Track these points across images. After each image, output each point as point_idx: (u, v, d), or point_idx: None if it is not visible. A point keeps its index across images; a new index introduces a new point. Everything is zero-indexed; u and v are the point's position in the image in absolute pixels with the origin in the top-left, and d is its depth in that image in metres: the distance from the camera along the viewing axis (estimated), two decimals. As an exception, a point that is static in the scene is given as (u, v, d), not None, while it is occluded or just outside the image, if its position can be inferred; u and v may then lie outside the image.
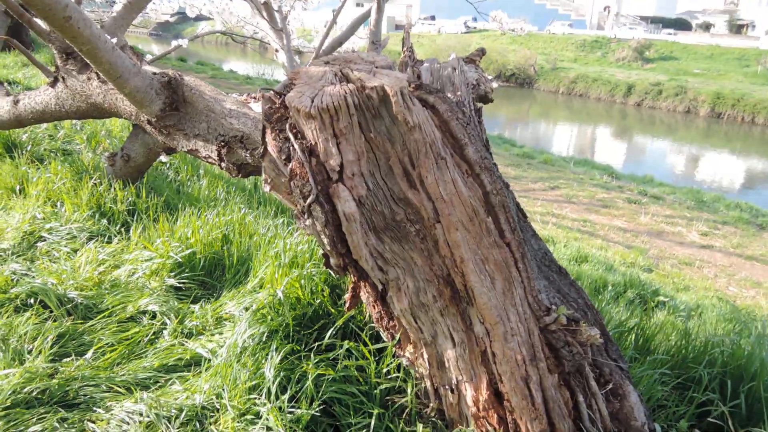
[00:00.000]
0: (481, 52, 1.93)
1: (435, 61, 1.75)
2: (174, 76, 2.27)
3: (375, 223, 1.38)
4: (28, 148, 3.49)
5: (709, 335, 2.19)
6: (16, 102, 2.83)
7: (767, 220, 10.02)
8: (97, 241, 2.63)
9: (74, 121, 4.23)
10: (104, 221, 2.77)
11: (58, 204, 2.93)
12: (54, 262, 2.46)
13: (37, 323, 1.93)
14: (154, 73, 2.29)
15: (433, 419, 1.55)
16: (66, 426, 1.52)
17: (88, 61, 2.08)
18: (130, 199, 2.86)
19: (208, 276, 2.38)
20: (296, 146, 1.30)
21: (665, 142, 21.61)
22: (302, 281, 1.77)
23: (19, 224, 2.73)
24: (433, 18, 45.16)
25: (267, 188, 1.48)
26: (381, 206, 1.36)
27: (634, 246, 7.70)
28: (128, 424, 1.52)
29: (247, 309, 1.93)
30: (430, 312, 1.46)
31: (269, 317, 1.66)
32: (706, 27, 43.67)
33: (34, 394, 1.60)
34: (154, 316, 2.10)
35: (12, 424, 1.49)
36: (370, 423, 1.50)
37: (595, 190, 10.45)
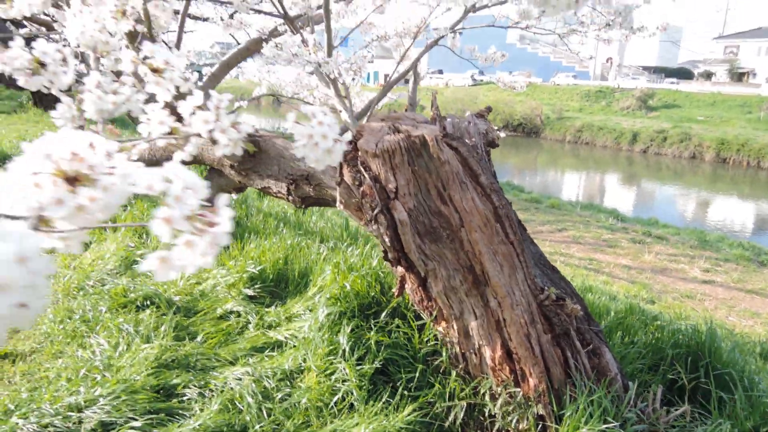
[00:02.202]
0: (488, 109, 2.58)
1: (455, 117, 2.39)
2: (252, 131, 2.94)
3: (419, 228, 1.98)
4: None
5: (677, 326, 2.73)
6: (115, 153, 3.52)
7: (768, 258, 10.48)
8: (181, 263, 3.25)
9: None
10: (184, 248, 3.39)
11: (144, 236, 3.57)
12: (149, 278, 3.07)
13: (155, 318, 2.53)
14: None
15: (462, 375, 2.11)
16: (197, 380, 2.10)
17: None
18: (204, 230, 3.50)
19: (276, 287, 2.97)
20: (366, 176, 1.93)
21: (672, 187, 22.12)
22: (359, 280, 2.37)
23: (116, 251, 3.36)
24: (441, 72, 46.90)
25: (341, 207, 2.10)
26: (423, 217, 1.97)
27: (637, 281, 8.20)
28: (241, 380, 2.09)
29: (311, 310, 2.53)
30: (458, 293, 2.05)
31: (338, 303, 2.25)
32: (708, 76, 44.94)
33: (168, 361, 2.19)
34: (239, 315, 2.69)
35: (161, 377, 2.07)
36: (415, 376, 2.07)
37: (601, 232, 11.01)
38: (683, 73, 45.98)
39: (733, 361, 2.41)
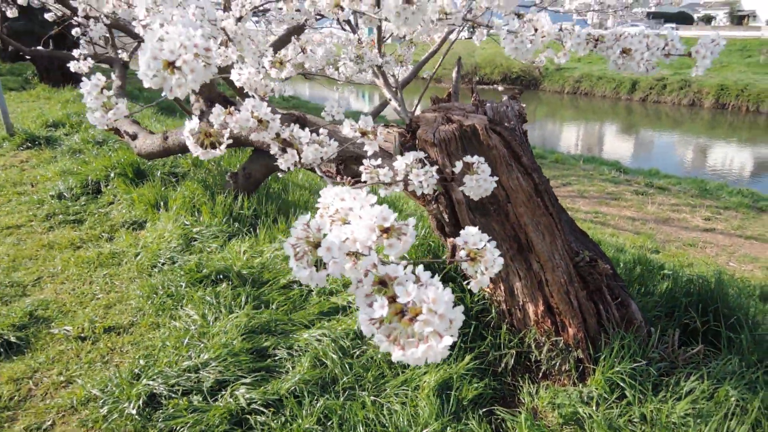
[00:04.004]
0: (520, 91, 2.84)
1: (493, 102, 2.67)
2: (300, 115, 3.21)
3: (470, 205, 2.30)
4: (158, 174, 4.46)
5: (688, 276, 3.08)
6: (165, 138, 3.79)
7: (767, 204, 10.82)
8: (237, 238, 3.57)
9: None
10: (236, 224, 3.70)
11: (196, 213, 3.88)
12: (211, 254, 3.39)
13: (231, 290, 2.86)
14: (284, 114, 3.24)
15: (509, 329, 2.46)
16: (282, 342, 2.45)
17: (247, 111, 3.02)
18: (253, 206, 3.81)
19: (328, 257, 3.30)
20: (427, 162, 2.23)
21: (671, 136, 22.30)
22: (413, 250, 2.69)
23: (174, 229, 3.67)
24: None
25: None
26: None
27: (642, 232, 8.55)
28: (321, 340, 2.44)
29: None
30: (504, 259, 2.37)
31: (398, 271, 2.58)
32: (708, 20, 44.38)
33: (255, 327, 2.54)
34: (300, 284, 3.02)
35: (253, 341, 2.42)
36: (469, 330, 2.41)
37: (605, 185, 11.32)
38: (683, 18, 45.33)
39: (739, 305, 2.76)
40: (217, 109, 1.28)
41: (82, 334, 2.61)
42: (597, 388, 2.13)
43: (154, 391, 2.09)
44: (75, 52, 2.84)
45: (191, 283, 2.94)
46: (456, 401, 2.10)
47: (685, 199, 10.82)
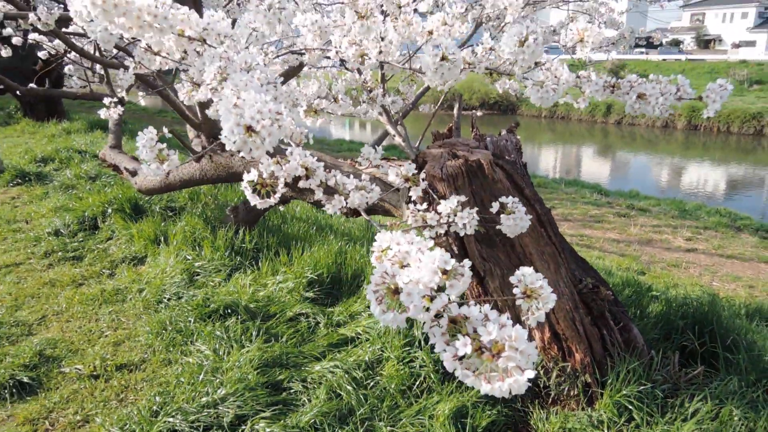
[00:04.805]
0: (516, 124, 2.97)
1: (493, 136, 2.79)
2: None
3: (477, 237, 2.39)
4: (157, 209, 4.49)
5: (682, 299, 3.20)
6: (167, 174, 3.84)
7: (744, 223, 11.14)
8: (240, 272, 3.61)
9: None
10: (239, 258, 3.75)
11: (197, 247, 3.91)
12: (216, 288, 3.43)
13: (240, 324, 2.90)
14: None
15: (516, 355, 2.53)
16: (295, 375, 2.49)
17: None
18: (254, 240, 3.86)
19: (332, 289, 3.36)
20: (435, 196, 2.32)
21: (647, 157, 22.87)
22: (419, 280, 2.77)
23: (175, 264, 3.70)
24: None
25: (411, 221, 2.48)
26: (480, 227, 2.37)
27: (627, 254, 8.75)
28: (334, 372, 2.49)
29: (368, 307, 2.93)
30: (511, 288, 2.46)
31: (407, 302, 2.65)
32: (676, 44, 45.89)
33: (268, 360, 2.58)
34: (307, 316, 3.07)
35: (267, 375, 2.46)
36: (479, 359, 2.48)
37: (588, 208, 11.57)
38: (652, 43, 46.79)
39: (733, 326, 2.87)
40: (267, 160, 1.36)
41: (95, 373, 2.62)
42: (606, 412, 2.21)
43: (175, 428, 2.11)
44: (105, 100, 2.89)
45: (200, 318, 2.97)
46: (471, 429, 2.16)
47: (665, 220, 11.09)
